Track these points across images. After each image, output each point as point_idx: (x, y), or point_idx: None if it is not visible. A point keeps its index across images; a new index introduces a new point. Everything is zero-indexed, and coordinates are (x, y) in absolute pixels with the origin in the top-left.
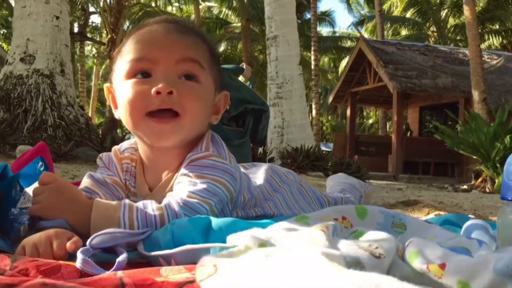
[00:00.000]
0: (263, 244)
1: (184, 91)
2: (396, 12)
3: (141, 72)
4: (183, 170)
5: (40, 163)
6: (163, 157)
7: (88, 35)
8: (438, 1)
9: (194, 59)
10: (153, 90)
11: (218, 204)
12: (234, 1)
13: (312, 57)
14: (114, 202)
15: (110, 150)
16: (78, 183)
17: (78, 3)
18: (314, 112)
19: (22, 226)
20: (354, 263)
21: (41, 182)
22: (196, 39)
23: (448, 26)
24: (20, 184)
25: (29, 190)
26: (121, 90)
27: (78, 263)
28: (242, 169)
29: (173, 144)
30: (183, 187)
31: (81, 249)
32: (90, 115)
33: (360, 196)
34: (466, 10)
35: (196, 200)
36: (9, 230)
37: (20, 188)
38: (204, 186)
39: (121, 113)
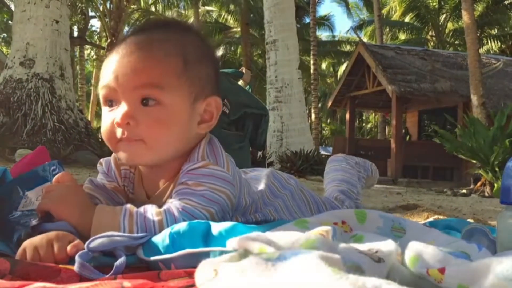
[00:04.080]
0: (263, 248)
1: (143, 118)
2: (395, 16)
3: (108, 100)
4: (181, 179)
5: (54, 167)
6: (157, 170)
7: (88, 39)
8: (437, 5)
9: (150, 83)
10: (114, 122)
11: (219, 212)
12: (233, 5)
13: (311, 61)
14: (117, 207)
15: (109, 154)
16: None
17: (78, 7)
18: (313, 116)
19: (24, 230)
20: (354, 268)
21: (56, 180)
22: (159, 53)
23: (447, 30)
24: (21, 188)
25: (34, 192)
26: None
27: (76, 267)
28: (242, 175)
29: (146, 164)
30: (182, 194)
31: (79, 253)
32: (89, 119)
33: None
34: (465, 14)
35: (195, 207)
36: (11, 233)
37: (22, 192)
38: (203, 193)
39: None
